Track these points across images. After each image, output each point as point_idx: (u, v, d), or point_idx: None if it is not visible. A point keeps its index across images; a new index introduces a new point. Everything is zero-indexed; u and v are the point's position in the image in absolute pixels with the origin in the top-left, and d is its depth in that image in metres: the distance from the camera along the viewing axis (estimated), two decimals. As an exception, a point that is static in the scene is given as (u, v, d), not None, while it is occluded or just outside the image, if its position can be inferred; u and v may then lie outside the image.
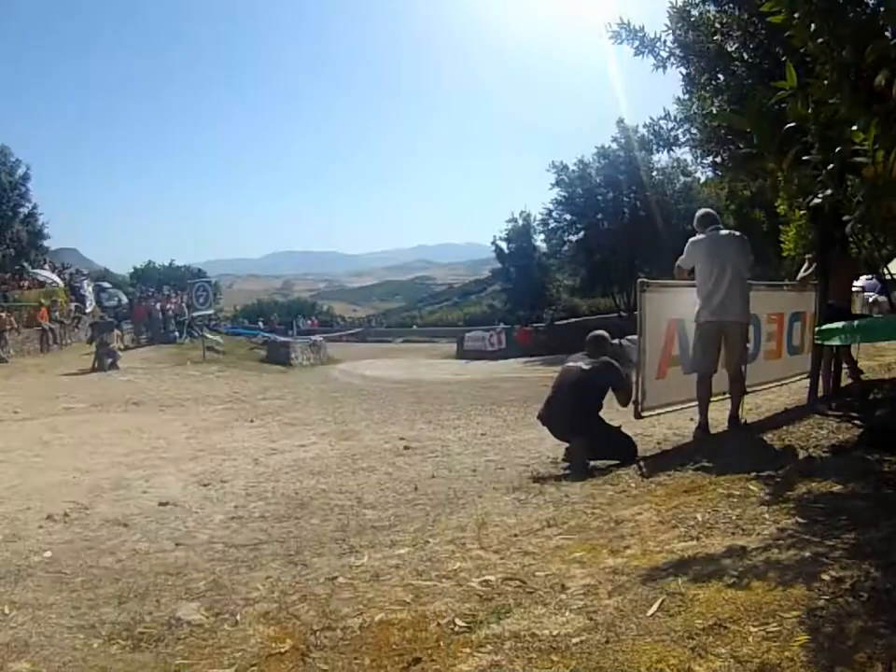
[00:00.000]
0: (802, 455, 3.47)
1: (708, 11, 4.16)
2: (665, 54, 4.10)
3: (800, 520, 2.40)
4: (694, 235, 4.36)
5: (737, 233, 4.40)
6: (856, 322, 4.45)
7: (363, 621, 2.01)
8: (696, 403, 4.30)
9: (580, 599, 1.98)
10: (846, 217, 1.92)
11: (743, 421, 4.39)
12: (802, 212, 6.43)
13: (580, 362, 4.40)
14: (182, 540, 3.17)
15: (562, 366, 4.61)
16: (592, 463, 4.06)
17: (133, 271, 40.37)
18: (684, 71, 4.37)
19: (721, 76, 4.22)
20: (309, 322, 39.88)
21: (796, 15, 1.82)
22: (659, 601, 1.85)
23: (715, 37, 4.07)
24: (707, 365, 4.23)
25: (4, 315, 14.29)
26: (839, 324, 4.08)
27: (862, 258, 5.15)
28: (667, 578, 2.03)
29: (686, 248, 4.31)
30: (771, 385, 5.42)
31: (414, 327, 44.11)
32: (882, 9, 2.04)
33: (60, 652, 1.98)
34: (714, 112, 4.11)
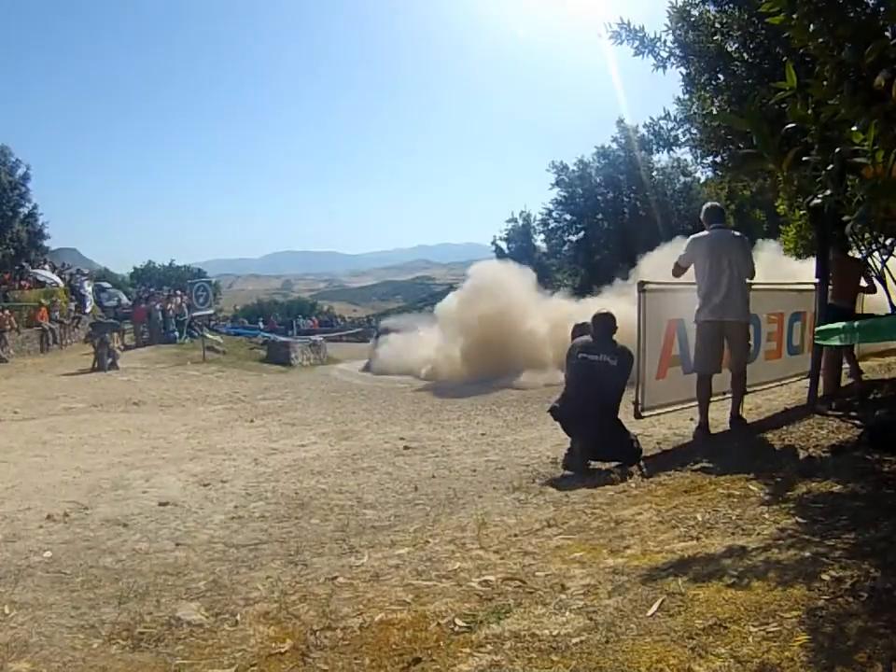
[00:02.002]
0: (802, 455, 3.47)
1: (708, 11, 4.15)
2: (665, 54, 4.11)
3: (800, 520, 2.41)
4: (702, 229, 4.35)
5: (738, 234, 4.38)
6: (856, 322, 4.45)
7: (363, 621, 2.01)
8: (696, 403, 4.30)
9: (580, 599, 1.98)
10: (846, 218, 1.92)
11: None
12: (802, 212, 6.42)
13: (603, 355, 4.16)
14: (182, 540, 3.17)
15: (576, 356, 4.29)
16: (592, 463, 4.06)
17: (133, 271, 40.30)
18: (684, 71, 4.37)
19: (721, 76, 4.22)
20: (309, 322, 39.81)
21: (795, 15, 1.82)
22: (659, 601, 1.86)
23: (715, 37, 4.07)
24: (707, 365, 4.22)
25: (4, 314, 14.29)
26: (839, 324, 4.08)
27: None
28: (667, 578, 2.03)
29: (686, 245, 4.28)
30: (771, 384, 5.42)
31: (415, 326, 43.86)
32: (882, 9, 2.04)
33: (60, 652, 1.98)
34: (714, 112, 4.11)
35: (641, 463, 3.91)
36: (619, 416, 4.22)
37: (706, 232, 4.26)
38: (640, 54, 4.05)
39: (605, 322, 4.30)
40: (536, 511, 3.19)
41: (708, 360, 4.21)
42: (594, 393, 4.11)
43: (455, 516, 3.27)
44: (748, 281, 4.25)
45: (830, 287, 4.81)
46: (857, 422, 4.00)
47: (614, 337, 4.28)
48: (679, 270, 4.35)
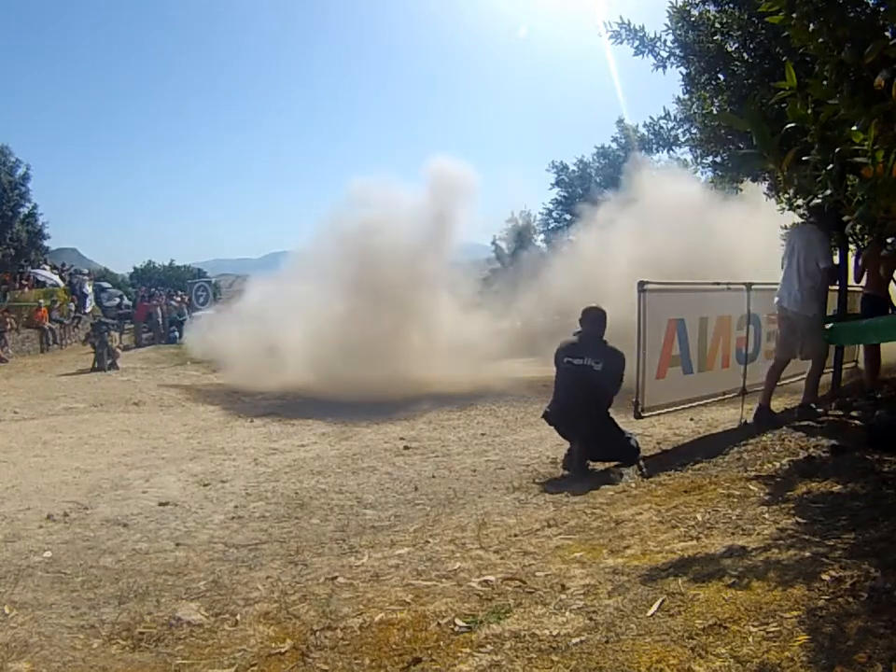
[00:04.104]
0: (802, 455, 3.47)
1: (708, 11, 4.16)
2: (664, 54, 4.13)
3: (800, 520, 2.41)
4: None
5: (811, 223, 4.32)
6: (856, 322, 4.46)
7: (363, 621, 2.01)
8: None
9: (580, 599, 1.98)
10: (846, 218, 1.92)
11: (743, 421, 4.40)
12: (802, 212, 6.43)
13: (588, 359, 4.05)
14: (182, 540, 3.17)
15: (562, 360, 4.17)
16: (591, 464, 4.05)
17: (133, 271, 40.17)
18: (684, 71, 4.38)
19: (721, 76, 4.23)
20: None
21: (795, 15, 1.82)
22: (659, 601, 1.86)
23: (715, 37, 4.08)
24: (777, 349, 4.48)
25: (4, 314, 14.30)
26: (841, 324, 4.10)
27: None
28: (667, 578, 2.03)
29: None
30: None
31: (415, 326, 43.59)
32: (882, 9, 2.04)
33: (60, 652, 1.98)
34: (714, 112, 4.12)
35: (641, 463, 3.91)
36: (612, 417, 4.16)
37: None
38: (640, 54, 4.07)
39: (591, 320, 4.15)
40: (536, 510, 3.19)
41: (777, 345, 4.47)
42: (580, 397, 4.04)
43: (455, 516, 3.27)
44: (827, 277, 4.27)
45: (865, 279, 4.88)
46: (857, 422, 4.01)
47: (605, 337, 4.15)
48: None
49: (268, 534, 3.24)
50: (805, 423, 4.15)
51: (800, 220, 4.49)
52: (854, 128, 1.70)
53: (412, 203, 9.83)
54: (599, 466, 4.05)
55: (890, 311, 4.74)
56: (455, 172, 9.98)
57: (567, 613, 1.89)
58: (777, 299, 4.38)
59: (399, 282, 8.88)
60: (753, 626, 1.64)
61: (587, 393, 4.03)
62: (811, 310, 4.22)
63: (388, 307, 8.80)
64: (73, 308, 17.77)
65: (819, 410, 4.33)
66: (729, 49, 4.11)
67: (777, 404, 5.16)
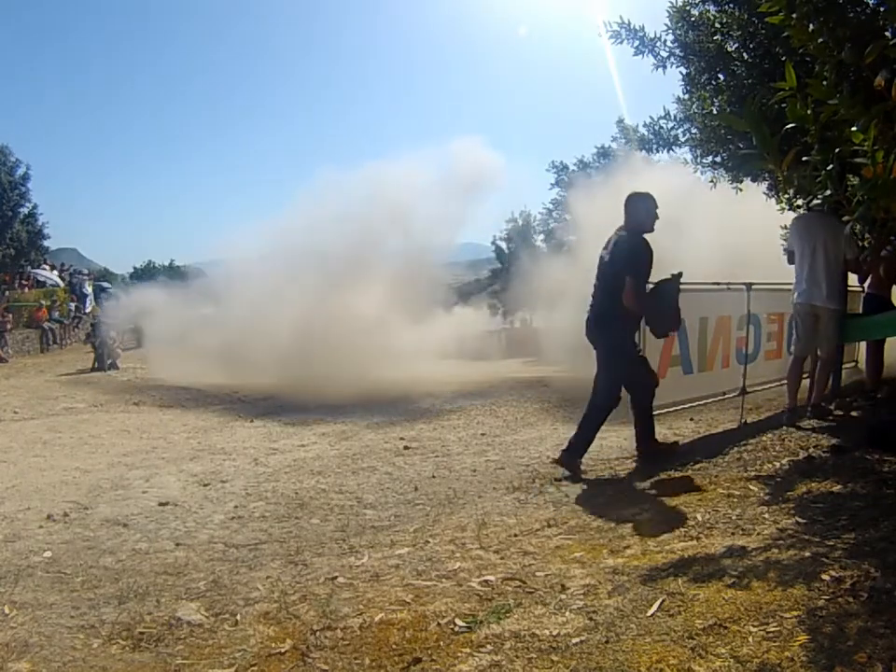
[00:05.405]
0: (802, 454, 3.48)
1: (708, 11, 4.16)
2: (664, 54, 4.13)
3: (800, 520, 2.41)
4: None
5: (830, 214, 4.13)
6: (862, 318, 4.47)
7: (363, 621, 2.01)
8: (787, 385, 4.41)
9: (580, 599, 1.98)
10: (846, 218, 1.92)
11: (743, 421, 4.40)
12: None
13: (605, 251, 3.70)
14: (182, 540, 3.17)
15: None
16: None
17: (133, 271, 40.12)
18: (684, 71, 4.37)
19: (721, 75, 4.22)
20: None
21: (795, 15, 1.82)
22: (659, 601, 1.86)
23: (715, 37, 4.08)
24: (797, 348, 4.36)
25: (4, 314, 14.32)
26: (846, 321, 4.12)
27: None
28: (667, 578, 2.03)
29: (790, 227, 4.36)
30: (771, 384, 5.42)
31: (414, 326, 43.53)
32: (882, 9, 2.05)
33: (60, 652, 1.98)
34: (714, 112, 4.11)
35: (641, 462, 3.91)
36: (629, 333, 3.75)
37: (800, 213, 4.31)
38: (640, 54, 4.06)
39: (624, 207, 3.68)
40: (536, 510, 3.19)
41: (797, 343, 4.34)
42: (594, 295, 3.81)
43: (455, 516, 3.27)
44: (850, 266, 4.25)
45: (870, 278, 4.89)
46: (857, 422, 4.01)
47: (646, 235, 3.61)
48: (790, 255, 4.37)
49: (268, 534, 3.24)
50: (807, 423, 4.15)
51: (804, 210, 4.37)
52: (854, 128, 1.70)
53: (420, 194, 9.65)
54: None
55: None
56: (480, 160, 9.67)
57: (567, 613, 1.89)
58: (802, 297, 4.20)
59: (400, 279, 8.77)
60: (753, 626, 1.64)
61: (599, 290, 3.77)
62: (842, 305, 4.23)
63: (388, 305, 8.71)
64: (73, 308, 17.80)
65: (829, 408, 4.33)
66: (729, 49, 4.11)
67: (776, 404, 5.17)
